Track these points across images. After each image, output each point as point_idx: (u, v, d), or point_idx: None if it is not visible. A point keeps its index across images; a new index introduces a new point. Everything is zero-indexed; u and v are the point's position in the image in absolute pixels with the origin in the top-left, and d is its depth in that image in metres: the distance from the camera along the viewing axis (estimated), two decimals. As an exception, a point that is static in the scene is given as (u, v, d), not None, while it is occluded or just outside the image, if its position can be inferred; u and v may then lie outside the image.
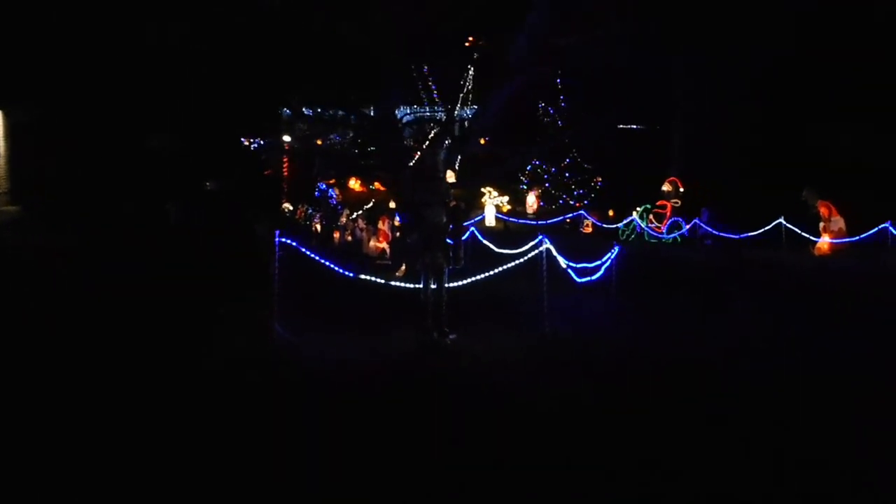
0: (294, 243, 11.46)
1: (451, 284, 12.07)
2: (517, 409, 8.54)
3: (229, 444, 7.30)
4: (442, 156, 11.69)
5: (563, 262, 13.18)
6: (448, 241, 11.39)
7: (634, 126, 41.01)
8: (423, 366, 10.35)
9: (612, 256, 14.78)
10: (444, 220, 11.35)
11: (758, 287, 17.15)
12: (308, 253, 11.81)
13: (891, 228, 19.88)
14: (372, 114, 38.48)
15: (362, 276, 12.53)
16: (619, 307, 14.10)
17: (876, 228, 20.28)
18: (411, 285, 12.17)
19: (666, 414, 8.35)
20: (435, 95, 39.44)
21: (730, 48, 29.43)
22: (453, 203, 11.72)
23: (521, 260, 13.17)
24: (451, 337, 11.36)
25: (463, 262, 11.58)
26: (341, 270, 12.21)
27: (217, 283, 15.66)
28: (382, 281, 12.66)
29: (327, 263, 12.01)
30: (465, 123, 37.87)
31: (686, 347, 11.43)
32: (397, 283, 12.80)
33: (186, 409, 8.30)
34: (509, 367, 10.25)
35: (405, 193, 12.43)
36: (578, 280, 13.92)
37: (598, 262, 14.90)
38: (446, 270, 11.44)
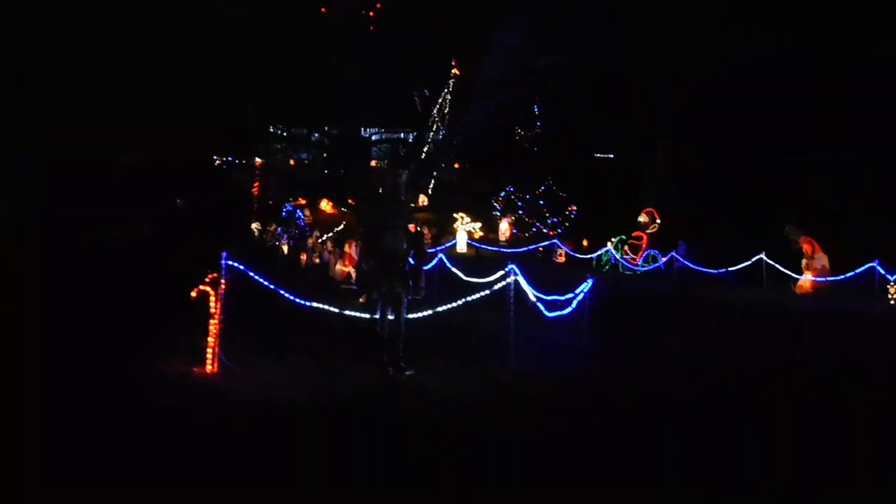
0: (241, 266, 10.44)
1: (412, 316, 11.13)
2: (474, 452, 7.67)
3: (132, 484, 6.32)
4: (404, 178, 10.74)
5: (532, 294, 12.23)
6: (407, 268, 10.43)
7: (611, 155, 40.42)
8: (373, 404, 9.38)
9: (586, 290, 13.87)
10: (405, 246, 10.39)
11: (731, 324, 16.31)
12: (256, 277, 10.78)
13: (878, 268, 19.02)
14: (338, 133, 37.52)
15: (315, 305, 11.48)
16: (590, 343, 13.21)
17: (863, 267, 19.39)
18: (368, 315, 11.20)
19: (632, 453, 7.76)
20: (409, 116, 38.66)
21: (711, 76, 28.82)
22: (415, 228, 10.77)
23: (489, 291, 12.21)
24: (407, 373, 10.39)
25: (424, 291, 10.63)
26: (292, 297, 11.18)
27: (168, 308, 14.58)
28: (336, 310, 11.62)
29: (276, 289, 10.99)
30: (435, 146, 37.02)
31: (656, 386, 10.74)
32: (353, 313, 11.78)
33: (100, 446, 7.27)
34: (469, 407, 9.34)
35: (363, 216, 11.43)
36: (548, 314, 12.97)
37: (571, 295, 14.00)
38: (405, 301, 10.47)
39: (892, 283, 19.37)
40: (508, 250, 29.62)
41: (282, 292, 11.03)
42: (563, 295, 14.11)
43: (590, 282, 13.93)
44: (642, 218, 27.01)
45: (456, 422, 8.73)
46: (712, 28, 29.45)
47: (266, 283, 10.84)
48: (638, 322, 15.71)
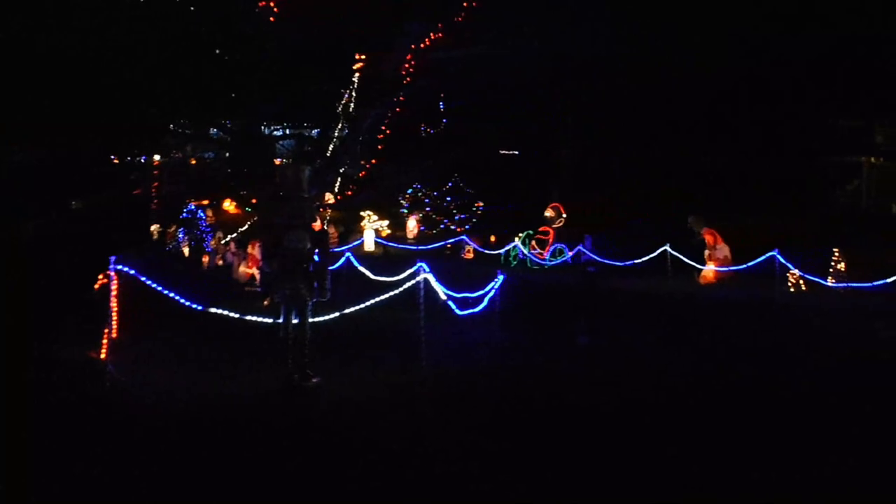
0: (132, 271, 9.76)
1: (317, 319, 10.58)
2: (385, 461, 7.25)
3: None
4: (307, 174, 10.16)
5: (442, 293, 11.82)
6: (311, 269, 9.86)
7: (517, 151, 40.31)
8: (278, 413, 8.85)
9: (496, 286, 13.53)
10: (308, 245, 9.82)
11: (636, 315, 16.18)
12: (149, 283, 10.10)
13: (778, 256, 19.10)
14: (239, 130, 36.45)
15: (213, 310, 10.83)
16: (502, 340, 12.86)
17: (763, 256, 19.47)
18: (270, 320, 10.60)
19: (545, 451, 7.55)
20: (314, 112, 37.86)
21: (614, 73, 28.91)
22: (321, 226, 10.20)
23: (399, 290, 11.73)
24: (314, 380, 9.84)
25: (330, 293, 10.07)
26: (187, 302, 10.52)
27: (56, 315, 13.74)
28: (236, 315, 10.99)
29: (171, 295, 10.32)
30: (341, 142, 36.30)
31: (567, 382, 10.53)
32: (254, 318, 11.14)
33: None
34: (379, 413, 8.91)
35: (263, 215, 10.78)
36: (459, 312, 12.56)
37: (482, 292, 13.64)
38: (310, 303, 9.91)
39: (791, 272, 19.49)
40: (416, 248, 29.17)
41: (176, 297, 10.36)
42: (473, 292, 13.78)
43: (500, 278, 13.61)
44: (548, 213, 26.77)
45: (363, 430, 8.28)
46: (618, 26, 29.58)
47: (160, 288, 10.17)
48: (547, 317, 15.40)
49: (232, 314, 10.90)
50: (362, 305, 11.50)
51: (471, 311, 12.91)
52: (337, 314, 11.32)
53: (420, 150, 35.35)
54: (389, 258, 26.19)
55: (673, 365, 11.59)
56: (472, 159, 35.63)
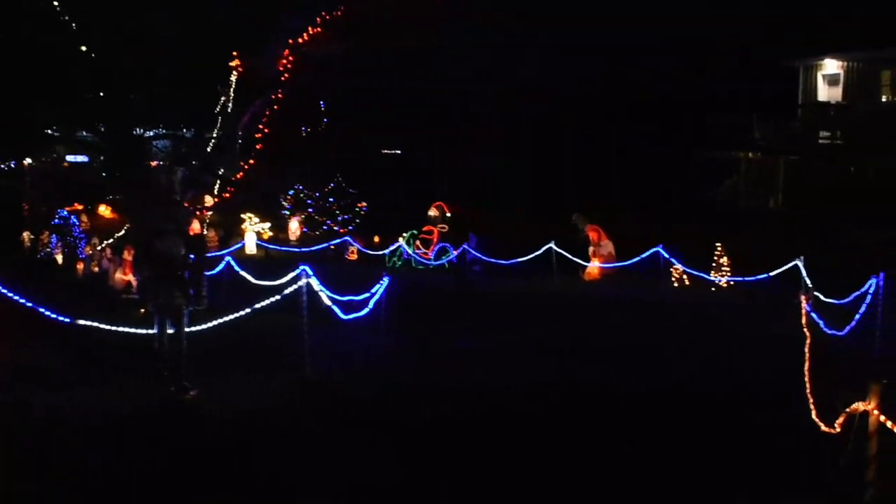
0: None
1: (195, 328, 10.00)
2: (265, 478, 6.86)
3: None
4: (179, 176, 9.58)
5: (326, 297, 11.36)
6: (187, 275, 9.30)
7: (399, 151, 40.03)
8: (153, 429, 8.28)
9: (382, 289, 13.14)
10: (182, 251, 9.25)
11: (521, 315, 16.04)
12: (11, 295, 9.36)
13: (662, 252, 19.30)
14: (111, 132, 35.06)
15: (82, 322, 10.10)
16: (388, 343, 12.51)
17: (647, 252, 19.64)
18: (144, 331, 9.96)
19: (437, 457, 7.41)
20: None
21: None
22: (201, 230, 9.64)
23: (280, 295, 11.19)
24: (191, 392, 9.29)
25: (207, 301, 9.53)
26: (53, 315, 9.80)
27: None
28: (107, 326, 10.29)
29: (35, 306, 9.59)
30: (217, 143, 35.28)
31: (454, 381, 10.52)
32: (127, 329, 10.44)
33: None
34: (261, 426, 8.45)
35: (135, 221, 10.11)
36: (344, 316, 12.12)
37: (367, 295, 13.22)
38: (186, 312, 9.34)
39: (675, 267, 19.71)
40: (299, 250, 28.54)
41: (41, 309, 9.63)
42: (358, 295, 13.36)
43: (385, 280, 13.23)
44: (432, 212, 26.46)
45: (243, 444, 7.81)
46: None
47: (23, 300, 9.43)
48: (433, 319, 15.08)
49: (102, 325, 10.18)
50: (243, 312, 10.92)
51: (356, 314, 12.48)
52: (215, 322, 10.72)
53: (301, 150, 34.61)
54: (272, 261, 25.51)
55: (553, 368, 11.47)
56: (355, 159, 35.17)
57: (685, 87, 35.24)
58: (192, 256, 9.37)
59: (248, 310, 11.01)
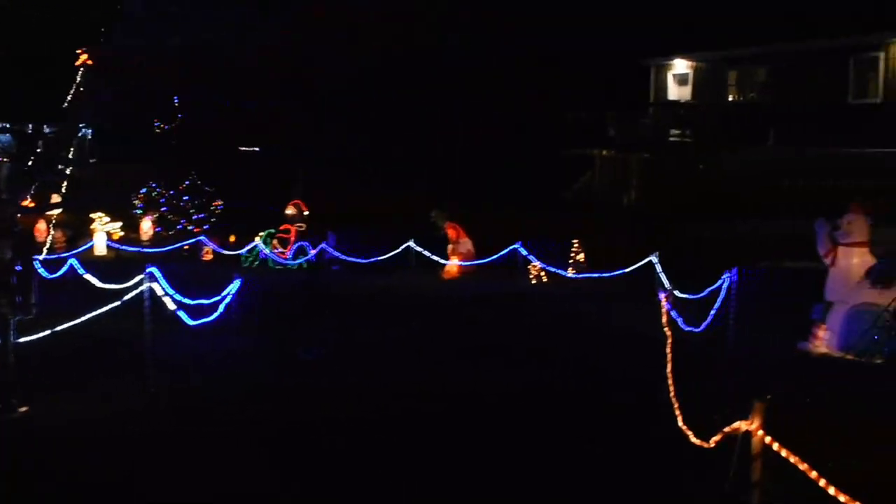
0: None
1: (24, 339, 9.22)
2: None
3: None
4: (4, 172, 8.78)
5: (170, 303, 10.71)
6: (14, 281, 8.54)
7: (257, 148, 39.11)
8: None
9: (233, 291, 12.55)
10: (8, 255, 8.49)
11: (379, 314, 15.71)
12: None
13: (520, 249, 19.33)
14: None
15: None
16: (240, 346, 11.93)
17: (506, 250, 19.63)
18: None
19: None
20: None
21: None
22: (44, 231, 8.87)
23: (120, 301, 10.47)
24: (21, 409, 8.54)
25: (36, 309, 8.78)
26: None
27: None
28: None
29: None
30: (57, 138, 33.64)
31: (318, 382, 10.13)
32: None
33: None
34: (100, 444, 7.81)
35: None
36: (191, 322, 11.47)
37: (217, 298, 12.61)
38: (12, 322, 8.58)
39: (532, 264, 19.73)
40: (152, 250, 27.38)
41: None
42: (209, 298, 12.74)
43: (237, 282, 12.66)
44: (289, 210, 25.74)
45: (78, 464, 7.20)
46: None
47: None
48: (289, 321, 14.52)
49: None
50: (81, 319, 10.15)
51: (204, 319, 11.84)
52: (50, 331, 9.91)
53: (154, 146, 33.32)
54: (122, 263, 24.35)
55: (415, 366, 11.18)
56: (211, 155, 34.10)
57: (547, 84, 35.63)
58: (18, 261, 8.61)
59: (86, 316, 10.26)
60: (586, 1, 35.15)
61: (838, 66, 30.52)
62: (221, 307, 12.24)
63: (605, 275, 18.07)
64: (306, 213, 25.86)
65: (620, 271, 17.35)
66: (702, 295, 13.29)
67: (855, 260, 12.37)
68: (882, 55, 29.81)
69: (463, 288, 19.31)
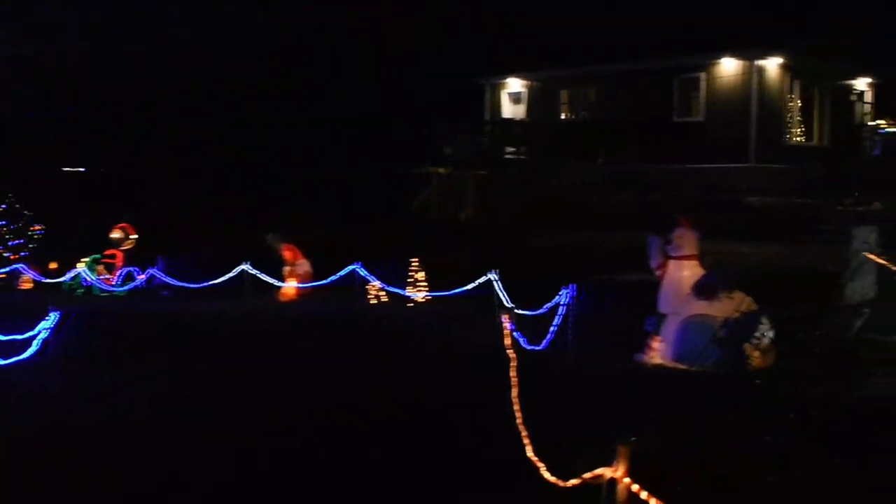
0: None
1: None
2: None
3: None
4: None
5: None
6: None
7: (82, 168, 37.36)
8: None
9: (49, 325, 11.63)
10: None
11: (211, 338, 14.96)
12: None
13: (359, 269, 18.99)
14: None
15: None
16: (58, 385, 10.99)
17: (345, 270, 19.24)
18: None
19: None
20: None
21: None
22: None
23: None
24: None
25: None
26: None
27: None
28: None
29: None
30: None
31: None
32: None
33: None
34: None
35: None
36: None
37: (31, 333, 11.65)
38: None
39: (371, 284, 19.37)
40: (-38, 281, 25.57)
41: None
42: (24, 332, 11.79)
43: (53, 316, 11.74)
44: (115, 234, 24.45)
45: None
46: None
47: None
48: (118, 351, 13.60)
49: None
50: None
51: (16, 358, 10.88)
52: None
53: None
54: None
55: (254, 394, 10.56)
56: (31, 176, 32.28)
57: (388, 103, 35.65)
58: None
59: None
60: (422, 22, 35.35)
61: (664, 86, 31.73)
62: (36, 343, 11.29)
63: (445, 293, 17.88)
64: (134, 236, 24.67)
65: (461, 290, 17.15)
66: (541, 311, 13.25)
67: (685, 272, 12.59)
68: (703, 75, 31.18)
69: (301, 309, 18.74)
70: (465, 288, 17.10)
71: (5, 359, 10.57)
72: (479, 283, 16.72)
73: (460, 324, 15.80)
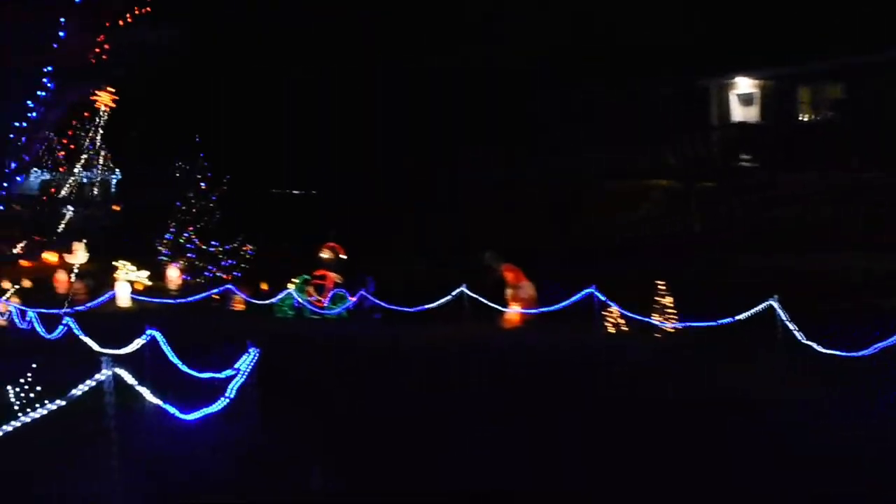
0: None
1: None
2: None
3: None
4: None
5: (150, 396, 7.27)
6: None
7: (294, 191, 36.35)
8: None
9: (249, 364, 9.11)
10: None
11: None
12: None
13: (597, 294, 15.54)
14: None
15: None
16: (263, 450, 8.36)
17: (580, 294, 15.80)
18: None
19: None
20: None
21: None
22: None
23: (75, 392, 6.96)
24: None
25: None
26: None
27: None
28: None
29: None
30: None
31: None
32: None
33: None
34: None
35: None
36: (182, 416, 7.97)
37: (230, 373, 9.16)
38: None
39: (610, 309, 15.98)
40: (176, 301, 24.27)
41: None
42: (222, 369, 9.36)
43: (252, 353, 9.20)
44: (325, 254, 22.29)
45: None
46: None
47: None
48: (325, 396, 10.97)
49: None
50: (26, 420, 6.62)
51: (204, 411, 8.27)
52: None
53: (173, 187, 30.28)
54: (140, 316, 21.10)
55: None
56: (239, 198, 31.23)
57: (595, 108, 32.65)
58: None
59: (27, 419, 6.77)
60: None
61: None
62: (231, 390, 8.72)
63: (702, 324, 14.07)
64: (343, 256, 22.50)
65: (730, 319, 13.30)
66: (864, 353, 9.65)
67: None
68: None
69: (526, 340, 15.52)
70: (734, 318, 13.25)
71: (186, 412, 7.96)
72: (756, 312, 12.84)
73: (737, 370, 11.54)
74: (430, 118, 30.96)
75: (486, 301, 17.78)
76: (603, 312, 16.00)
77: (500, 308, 17.78)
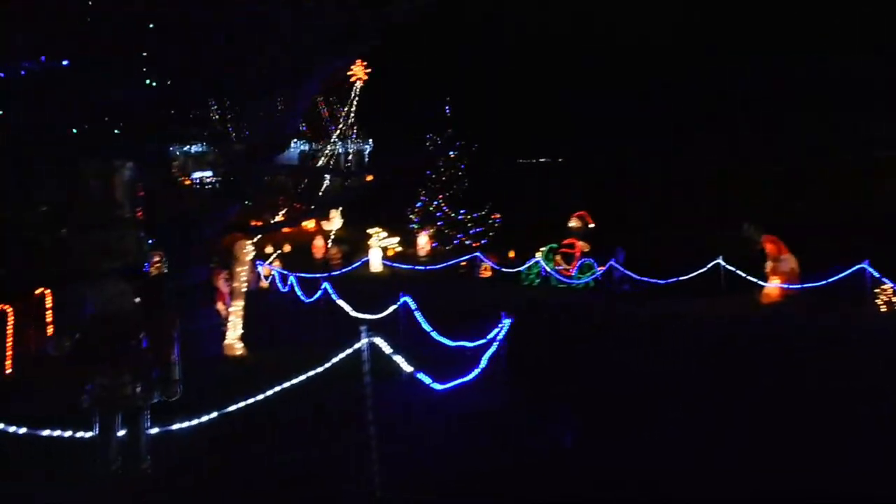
0: None
1: (178, 425, 5.87)
2: None
3: None
4: (126, 176, 5.43)
5: (404, 364, 7.08)
6: (145, 345, 5.20)
7: (542, 159, 35.99)
8: None
9: (500, 335, 8.81)
10: (130, 305, 5.13)
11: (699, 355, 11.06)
12: None
13: (869, 269, 14.01)
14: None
15: None
16: (513, 413, 7.92)
17: (850, 270, 14.29)
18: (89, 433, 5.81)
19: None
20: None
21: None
22: (157, 269, 5.55)
23: (337, 358, 6.87)
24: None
25: (181, 388, 5.38)
26: None
27: None
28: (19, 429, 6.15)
29: None
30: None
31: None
32: (55, 433, 6.17)
33: None
34: None
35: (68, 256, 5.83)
36: (438, 386, 7.74)
37: (482, 342, 8.92)
38: (145, 410, 5.23)
39: (883, 286, 14.35)
40: (425, 268, 24.60)
41: None
42: (474, 338, 9.15)
43: (506, 323, 8.88)
44: (573, 223, 21.78)
45: None
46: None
47: None
48: (563, 365, 10.34)
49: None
50: (275, 391, 6.65)
51: (457, 381, 8.03)
52: (217, 413, 6.42)
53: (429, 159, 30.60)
54: (393, 281, 21.51)
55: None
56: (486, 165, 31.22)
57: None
58: (152, 313, 5.25)
59: (286, 384, 6.77)
60: None
61: None
62: (484, 360, 8.45)
63: None
64: (592, 225, 21.88)
65: None
66: None
67: None
68: None
69: (792, 317, 14.15)
70: None
71: (442, 383, 7.75)
72: None
73: None
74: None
75: (743, 274, 16.63)
76: (875, 290, 14.49)
77: (759, 282, 16.54)
